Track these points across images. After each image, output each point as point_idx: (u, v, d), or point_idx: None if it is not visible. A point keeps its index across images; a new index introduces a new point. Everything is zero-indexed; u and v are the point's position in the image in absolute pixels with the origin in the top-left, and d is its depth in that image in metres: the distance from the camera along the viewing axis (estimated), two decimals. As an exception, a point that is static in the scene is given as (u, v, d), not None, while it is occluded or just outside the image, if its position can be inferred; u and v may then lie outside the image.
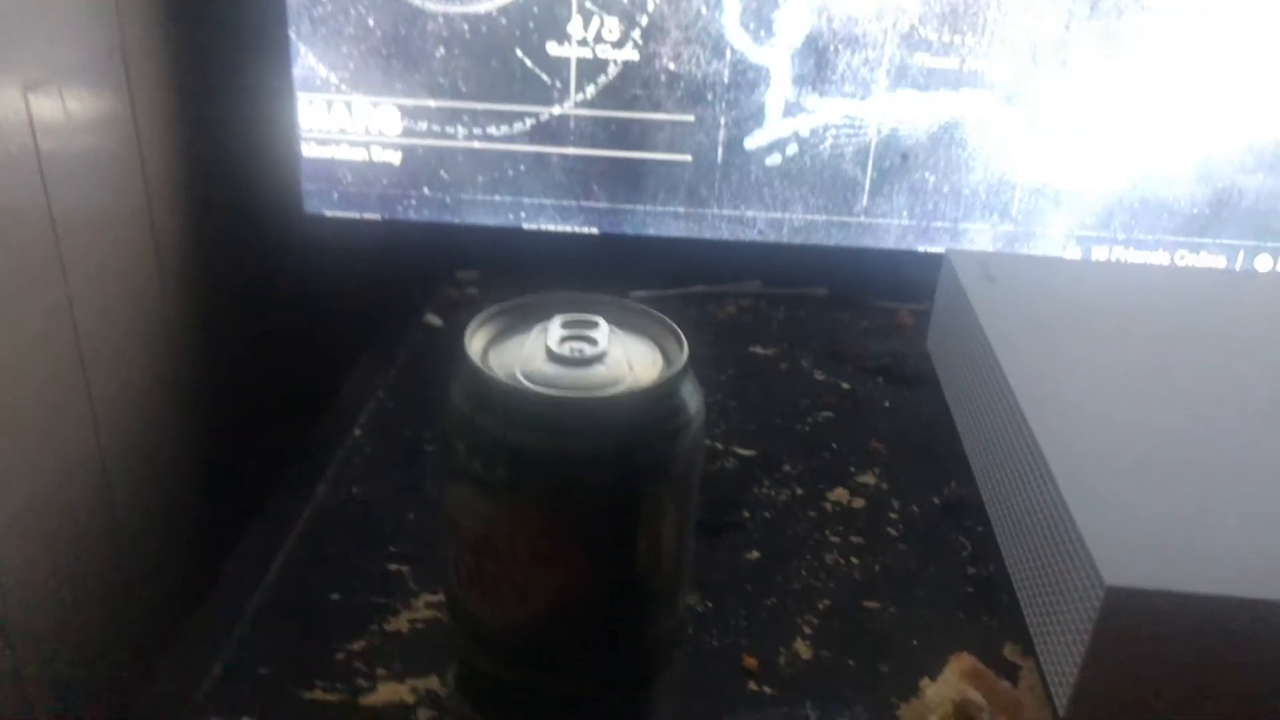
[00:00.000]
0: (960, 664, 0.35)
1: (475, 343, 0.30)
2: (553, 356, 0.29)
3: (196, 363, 0.66)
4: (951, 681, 0.34)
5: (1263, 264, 0.68)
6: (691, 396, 0.30)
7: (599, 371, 0.29)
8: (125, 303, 0.58)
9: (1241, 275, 0.56)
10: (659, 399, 0.29)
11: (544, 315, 0.31)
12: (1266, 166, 0.66)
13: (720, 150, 0.67)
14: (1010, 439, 0.43)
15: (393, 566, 0.43)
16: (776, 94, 0.66)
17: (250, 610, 0.40)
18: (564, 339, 0.30)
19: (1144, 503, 0.36)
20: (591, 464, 0.28)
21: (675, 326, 0.31)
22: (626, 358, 0.30)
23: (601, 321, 0.31)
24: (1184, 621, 0.32)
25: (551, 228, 0.70)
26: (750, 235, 0.70)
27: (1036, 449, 0.39)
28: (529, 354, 0.30)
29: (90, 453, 0.54)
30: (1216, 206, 0.67)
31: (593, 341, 0.30)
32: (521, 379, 0.29)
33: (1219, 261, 0.68)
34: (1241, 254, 0.68)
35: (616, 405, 0.28)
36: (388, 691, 0.37)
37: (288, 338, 0.76)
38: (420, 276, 0.70)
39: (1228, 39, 0.63)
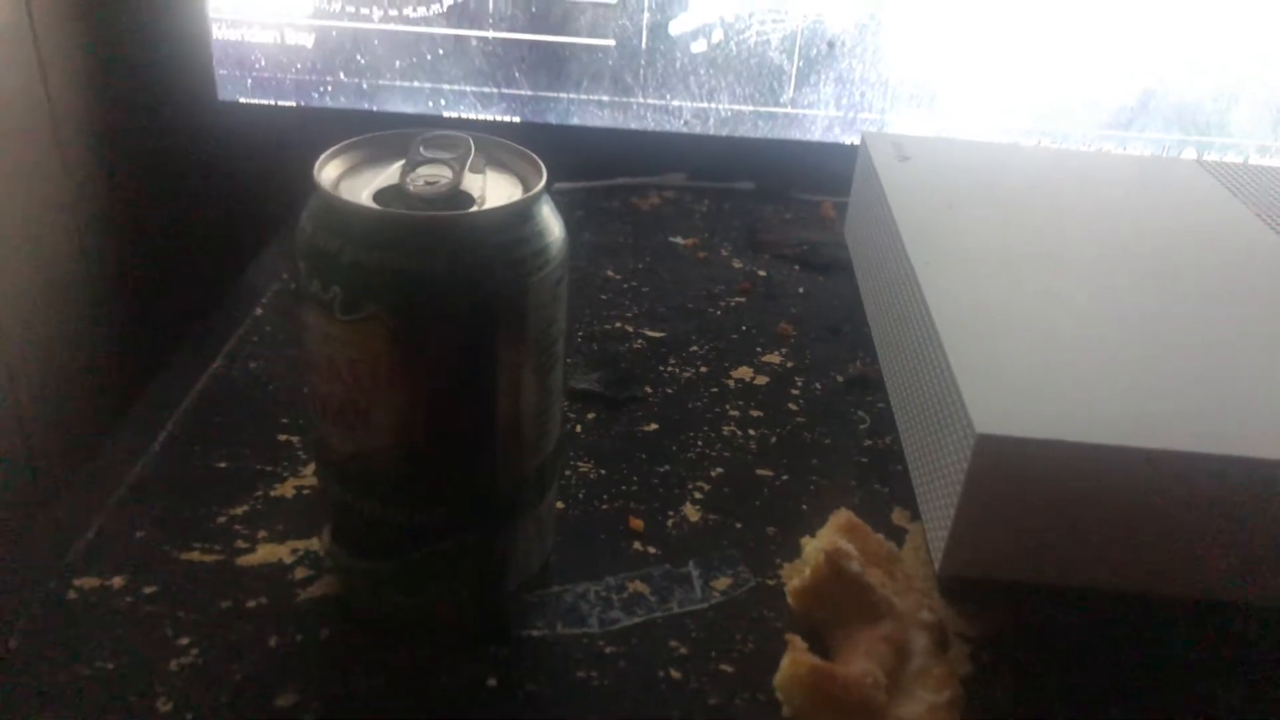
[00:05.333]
0: (838, 519, 0.35)
1: (328, 169, 0.29)
2: (406, 183, 0.29)
3: (107, 253, 0.64)
4: (827, 535, 0.34)
5: (1188, 157, 0.68)
6: (546, 230, 0.29)
7: (448, 197, 0.29)
8: (30, 197, 0.55)
9: (1148, 161, 0.56)
10: (503, 224, 0.28)
11: (405, 149, 0.30)
12: (1190, 61, 0.65)
13: (645, 35, 0.66)
14: (906, 306, 0.42)
15: (282, 437, 0.42)
16: (701, -24, 0.64)
17: (131, 478, 0.39)
18: (419, 167, 0.29)
19: (1021, 360, 0.36)
20: (423, 282, 0.27)
21: (538, 160, 0.30)
22: (483, 188, 0.29)
23: (462, 154, 0.30)
24: (1052, 469, 0.32)
25: (472, 116, 0.68)
26: (676, 126, 0.69)
27: (926, 311, 0.39)
28: (383, 181, 0.29)
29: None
30: (1143, 99, 0.66)
31: (450, 172, 0.29)
32: (366, 200, 0.28)
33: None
34: (1166, 149, 0.68)
35: (451, 224, 0.27)
36: (266, 552, 0.36)
37: (200, 227, 0.74)
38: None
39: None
